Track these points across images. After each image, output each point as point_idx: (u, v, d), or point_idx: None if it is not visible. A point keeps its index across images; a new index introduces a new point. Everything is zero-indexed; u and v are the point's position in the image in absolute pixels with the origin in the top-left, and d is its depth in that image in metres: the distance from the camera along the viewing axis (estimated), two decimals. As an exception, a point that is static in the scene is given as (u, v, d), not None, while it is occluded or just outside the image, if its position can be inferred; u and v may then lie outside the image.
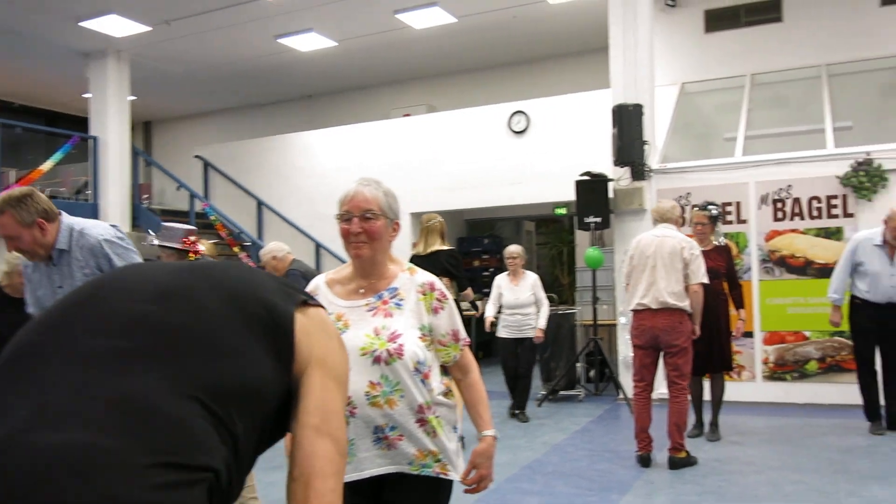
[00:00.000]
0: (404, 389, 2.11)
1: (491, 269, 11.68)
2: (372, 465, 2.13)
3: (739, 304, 6.10)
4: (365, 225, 2.14)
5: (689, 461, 5.23)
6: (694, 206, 6.79)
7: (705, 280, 5.20)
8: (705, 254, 5.48)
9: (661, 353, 5.23)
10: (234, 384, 1.11)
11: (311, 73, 12.54)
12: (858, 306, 6.06)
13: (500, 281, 7.05)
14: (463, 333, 2.28)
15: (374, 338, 2.13)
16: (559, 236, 15.99)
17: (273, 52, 11.30)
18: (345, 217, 2.17)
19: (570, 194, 9.47)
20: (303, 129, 12.51)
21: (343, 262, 3.44)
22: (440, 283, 2.28)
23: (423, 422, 2.14)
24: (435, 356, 2.23)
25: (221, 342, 1.13)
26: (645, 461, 5.27)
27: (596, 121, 9.19)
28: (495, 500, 4.63)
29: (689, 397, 5.48)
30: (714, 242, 6.02)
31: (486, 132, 10.54)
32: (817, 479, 4.91)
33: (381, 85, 13.25)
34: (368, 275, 2.23)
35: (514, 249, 7.09)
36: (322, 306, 1.36)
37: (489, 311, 7.07)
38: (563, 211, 11.15)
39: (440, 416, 2.19)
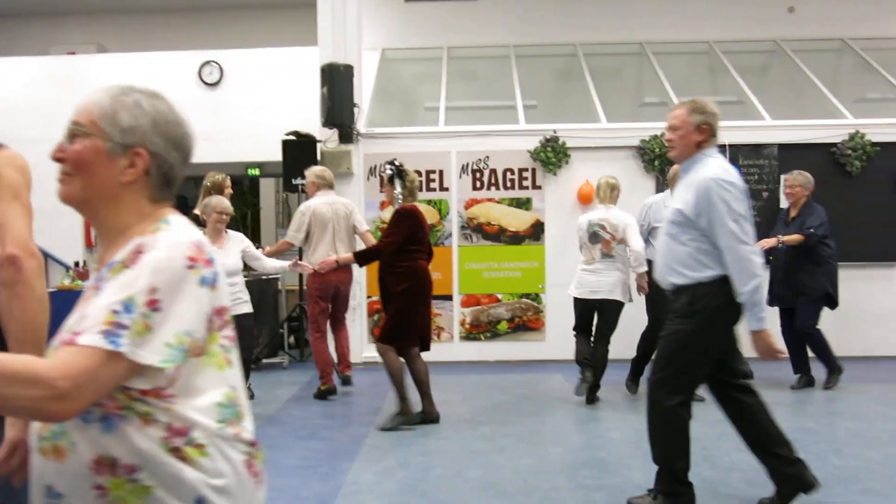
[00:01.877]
0: (70, 432, 1.29)
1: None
2: None
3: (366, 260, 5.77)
4: (65, 149, 1.36)
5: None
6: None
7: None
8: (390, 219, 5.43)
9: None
10: None
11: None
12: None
13: None
14: (89, 326, 1.23)
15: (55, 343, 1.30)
16: (242, 199, 15.25)
17: None
18: None
19: (265, 154, 9.01)
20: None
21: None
22: (160, 251, 1.30)
23: (102, 491, 1.27)
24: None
25: None
26: (332, 391, 6.21)
27: (298, 79, 8.80)
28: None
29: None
30: (395, 206, 5.52)
31: (171, 81, 9.48)
32: (524, 430, 5.25)
33: (37, 15, 11.25)
34: (101, 237, 1.44)
35: (218, 202, 5.50)
36: None
37: None
38: (256, 172, 10.57)
39: (157, 482, 1.27)
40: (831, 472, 4.14)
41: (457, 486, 4.12)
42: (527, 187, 7.80)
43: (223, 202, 5.53)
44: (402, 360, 5.32)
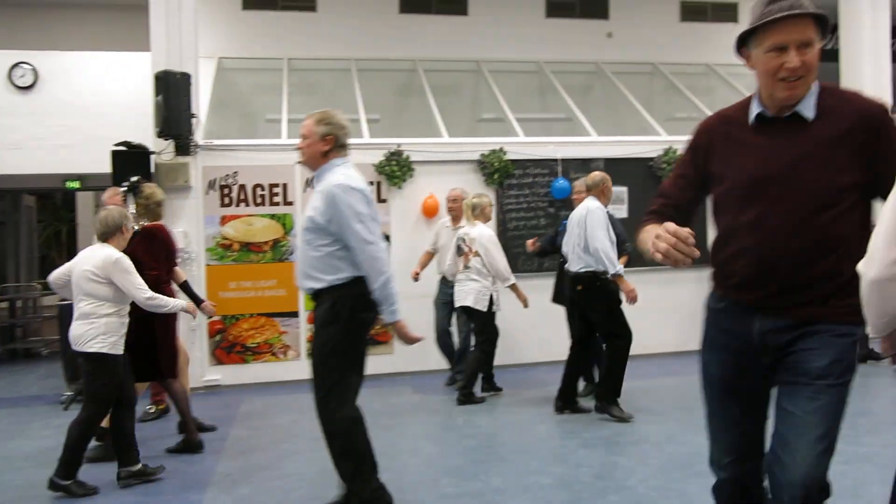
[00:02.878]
0: None
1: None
2: None
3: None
4: None
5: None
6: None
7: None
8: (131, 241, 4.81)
9: None
10: None
11: None
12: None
13: None
14: None
15: None
16: (56, 214, 14.14)
17: None
18: None
19: (88, 166, 8.42)
20: None
21: None
22: None
23: None
24: None
25: None
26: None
27: (129, 86, 8.32)
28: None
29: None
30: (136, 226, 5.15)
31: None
32: (380, 444, 5.27)
33: None
34: None
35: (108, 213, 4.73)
36: None
37: None
38: (76, 185, 9.82)
39: None
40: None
41: (321, 507, 4.07)
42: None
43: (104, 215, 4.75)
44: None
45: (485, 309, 6.34)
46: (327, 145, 3.62)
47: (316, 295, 3.64)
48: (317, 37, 9.68)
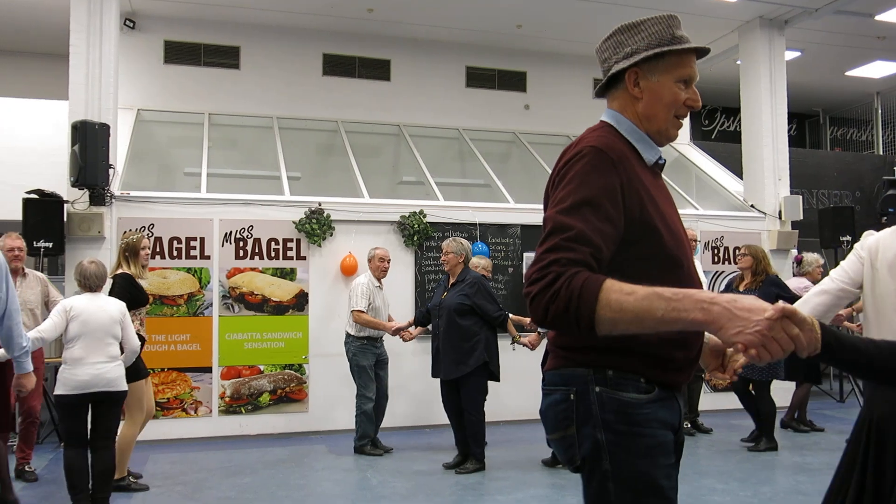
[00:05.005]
0: None
1: None
2: None
3: None
4: None
5: None
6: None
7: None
8: None
9: None
10: None
11: None
12: None
13: None
14: None
15: None
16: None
17: None
18: None
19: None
20: None
21: None
22: None
23: None
24: None
25: None
26: None
27: (42, 133, 8.14)
28: None
29: None
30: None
31: None
32: (296, 505, 5.19)
33: None
34: None
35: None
36: None
37: None
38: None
39: None
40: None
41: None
42: (291, 257, 7.83)
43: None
44: None
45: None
46: None
47: None
48: (239, 93, 9.74)
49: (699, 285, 1.81)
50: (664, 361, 1.75)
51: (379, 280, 6.87)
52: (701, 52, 1.88)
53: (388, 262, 6.92)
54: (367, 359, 6.67)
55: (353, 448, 6.70)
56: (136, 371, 5.09)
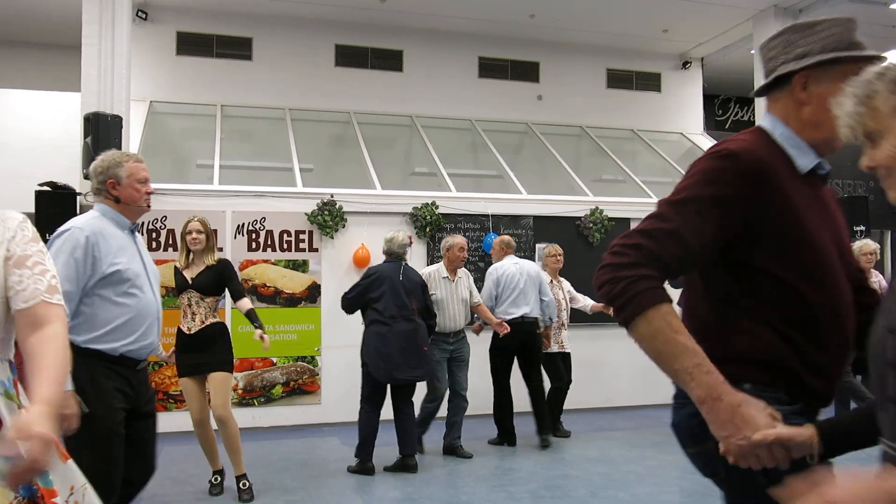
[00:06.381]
0: None
1: None
2: None
3: None
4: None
5: None
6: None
7: None
8: None
9: None
10: None
11: None
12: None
13: None
14: None
15: None
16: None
17: None
18: None
19: (10, 204, 8.15)
20: None
21: None
22: None
23: None
24: None
25: None
26: None
27: (54, 125, 8.15)
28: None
29: None
30: None
31: None
32: (306, 497, 5.19)
33: None
34: None
35: None
36: None
37: None
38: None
39: None
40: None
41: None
42: (303, 249, 7.83)
43: None
44: None
45: None
46: None
47: None
48: (251, 85, 9.73)
49: (844, 303, 1.73)
50: (802, 382, 1.68)
51: (454, 271, 6.47)
52: (877, 60, 1.68)
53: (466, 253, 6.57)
54: (439, 353, 6.30)
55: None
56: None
